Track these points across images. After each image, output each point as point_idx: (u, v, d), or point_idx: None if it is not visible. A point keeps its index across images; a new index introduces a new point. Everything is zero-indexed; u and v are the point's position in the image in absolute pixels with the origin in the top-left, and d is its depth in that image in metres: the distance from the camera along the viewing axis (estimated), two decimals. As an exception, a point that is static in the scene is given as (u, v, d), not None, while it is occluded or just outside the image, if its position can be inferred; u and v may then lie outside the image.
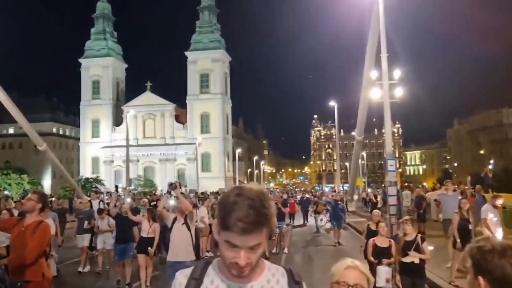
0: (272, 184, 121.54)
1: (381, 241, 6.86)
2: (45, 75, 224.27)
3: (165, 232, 10.53)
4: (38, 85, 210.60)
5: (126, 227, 10.28)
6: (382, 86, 14.78)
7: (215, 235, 1.49)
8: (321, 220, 21.91)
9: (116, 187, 31.80)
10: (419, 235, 6.68)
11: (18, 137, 75.90)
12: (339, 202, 19.48)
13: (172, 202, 12.30)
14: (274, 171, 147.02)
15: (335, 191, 34.36)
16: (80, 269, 11.80)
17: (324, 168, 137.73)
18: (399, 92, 15.96)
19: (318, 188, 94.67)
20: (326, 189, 67.93)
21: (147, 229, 9.64)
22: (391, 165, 13.90)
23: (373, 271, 6.88)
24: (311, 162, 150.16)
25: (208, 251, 13.52)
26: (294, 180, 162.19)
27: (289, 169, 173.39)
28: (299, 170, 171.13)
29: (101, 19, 78.35)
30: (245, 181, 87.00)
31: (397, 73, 15.92)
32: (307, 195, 32.87)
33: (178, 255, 6.94)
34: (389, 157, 14.39)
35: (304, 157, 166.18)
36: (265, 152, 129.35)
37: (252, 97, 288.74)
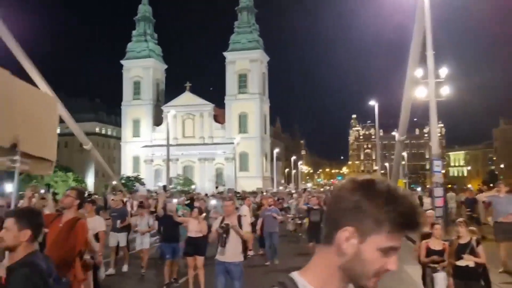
0: (309, 184, 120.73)
1: (435, 244, 6.62)
2: (89, 76, 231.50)
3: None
4: (81, 86, 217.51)
5: (174, 226, 10.08)
6: (428, 85, 14.39)
7: (352, 242, 1.08)
8: None
9: (164, 187, 31.91)
10: (475, 237, 6.41)
11: (63, 136, 78.57)
12: None
13: (214, 202, 12.36)
14: (311, 171, 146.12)
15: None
16: (109, 271, 10.59)
17: (362, 169, 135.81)
18: (446, 91, 15.48)
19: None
20: None
21: (195, 229, 9.23)
22: (437, 166, 13.47)
23: (426, 275, 6.68)
24: (349, 163, 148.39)
25: (250, 250, 13.45)
26: (331, 180, 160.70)
27: (327, 170, 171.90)
28: (336, 171, 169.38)
29: (142, 21, 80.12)
30: (283, 181, 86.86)
31: (444, 71, 15.44)
32: None
33: (228, 255, 6.97)
34: (435, 157, 13.96)
35: (342, 157, 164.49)
36: (303, 152, 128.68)
37: (290, 96, 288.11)
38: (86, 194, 5.58)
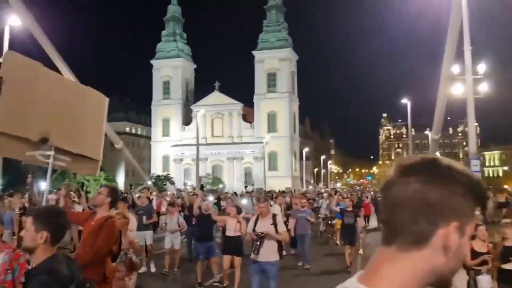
0: (338, 184, 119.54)
1: (479, 246, 6.30)
2: (119, 76, 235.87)
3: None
4: (112, 86, 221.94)
5: (209, 225, 10.03)
6: (465, 81, 13.84)
7: (455, 237, 0.94)
8: None
9: (202, 186, 31.70)
10: None
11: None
12: None
13: (244, 201, 12.22)
14: (341, 171, 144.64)
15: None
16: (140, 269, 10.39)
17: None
18: (484, 88, 14.86)
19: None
20: None
21: (233, 227, 9.05)
22: (475, 165, 12.98)
23: (470, 277, 6.35)
24: (380, 162, 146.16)
25: (283, 250, 13.37)
26: (361, 180, 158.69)
27: (356, 169, 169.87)
28: (366, 170, 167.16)
29: (171, 21, 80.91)
30: (312, 181, 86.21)
31: (482, 67, 14.82)
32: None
33: (263, 254, 6.86)
34: (472, 156, 13.45)
35: (372, 157, 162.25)
36: (332, 152, 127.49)
37: (319, 95, 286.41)
38: (118, 193, 5.34)
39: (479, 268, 6.16)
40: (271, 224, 7.00)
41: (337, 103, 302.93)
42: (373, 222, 24.17)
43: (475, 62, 14.65)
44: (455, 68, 15.08)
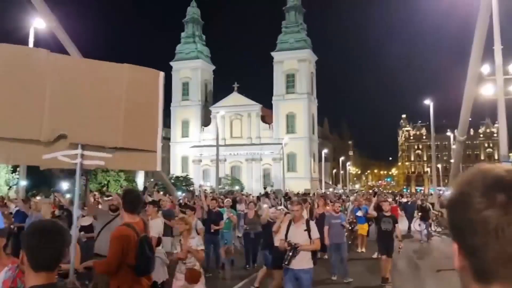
0: (357, 186, 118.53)
1: None
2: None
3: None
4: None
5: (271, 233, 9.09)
6: (496, 82, 13.47)
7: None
8: (425, 225, 18.94)
9: (267, 194, 26.49)
10: None
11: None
12: None
13: (265, 205, 11.80)
14: (359, 172, 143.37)
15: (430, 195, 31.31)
16: None
17: (413, 170, 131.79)
18: (515, 88, 14.46)
19: (405, 191, 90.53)
20: (431, 191, 52.35)
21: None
22: (507, 168, 12.61)
23: None
24: (399, 164, 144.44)
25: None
26: (380, 181, 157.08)
27: (375, 171, 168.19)
28: (385, 172, 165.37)
29: (190, 23, 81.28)
30: (330, 183, 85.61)
31: (513, 67, 14.42)
32: (414, 199, 28.26)
33: (296, 262, 6.52)
34: (504, 158, 13.07)
35: (390, 158, 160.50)
36: (351, 153, 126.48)
37: (338, 96, 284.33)
38: (134, 194, 4.81)
39: None
40: (305, 230, 6.66)
41: (356, 104, 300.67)
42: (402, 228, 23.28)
43: (507, 62, 14.25)
44: (485, 68, 14.72)
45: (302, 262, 6.57)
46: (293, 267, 6.56)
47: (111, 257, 4.23)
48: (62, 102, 3.17)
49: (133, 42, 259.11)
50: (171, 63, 79.92)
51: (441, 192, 37.02)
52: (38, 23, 20.77)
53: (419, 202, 22.64)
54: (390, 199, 19.29)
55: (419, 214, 19.92)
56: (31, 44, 21.49)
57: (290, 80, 73.41)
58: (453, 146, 53.58)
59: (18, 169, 28.74)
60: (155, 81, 3.76)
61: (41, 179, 33.20)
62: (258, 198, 20.13)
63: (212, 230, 11.18)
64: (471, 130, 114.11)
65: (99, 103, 3.27)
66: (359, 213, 15.27)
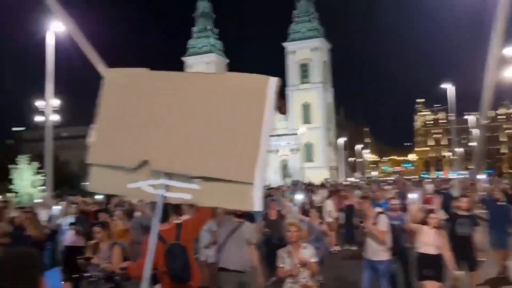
0: (374, 173, 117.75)
1: None
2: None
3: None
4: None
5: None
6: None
7: None
8: None
9: (322, 184, 24.09)
10: None
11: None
12: (503, 202, 9.55)
13: (300, 196, 11.38)
14: (377, 159, 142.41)
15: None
16: None
17: (432, 155, 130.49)
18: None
19: (425, 176, 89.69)
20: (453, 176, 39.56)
21: (430, 242, 6.44)
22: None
23: None
24: (416, 149, 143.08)
25: (336, 245, 12.82)
26: (397, 167, 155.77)
27: (393, 157, 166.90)
28: (402, 158, 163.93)
29: (202, 17, 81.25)
30: (349, 171, 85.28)
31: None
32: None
33: (371, 252, 6.87)
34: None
35: (407, 144, 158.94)
36: (367, 140, 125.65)
37: (354, 84, 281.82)
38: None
39: None
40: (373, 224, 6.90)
41: (372, 91, 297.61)
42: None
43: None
44: (508, 51, 14.53)
45: (376, 253, 6.81)
46: (368, 257, 6.89)
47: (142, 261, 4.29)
48: (147, 121, 2.74)
49: (143, 37, 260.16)
50: (183, 59, 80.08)
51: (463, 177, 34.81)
52: (57, 26, 21.06)
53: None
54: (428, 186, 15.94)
55: None
56: (50, 47, 21.82)
57: (304, 70, 73.15)
58: (473, 130, 52.91)
59: (42, 170, 29.26)
60: (261, 92, 2.81)
61: (61, 179, 32.91)
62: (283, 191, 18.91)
63: None
64: (490, 111, 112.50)
65: (187, 122, 2.70)
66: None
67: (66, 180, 34.37)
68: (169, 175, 2.66)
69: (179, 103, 2.72)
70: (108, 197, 12.30)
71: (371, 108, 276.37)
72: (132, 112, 2.78)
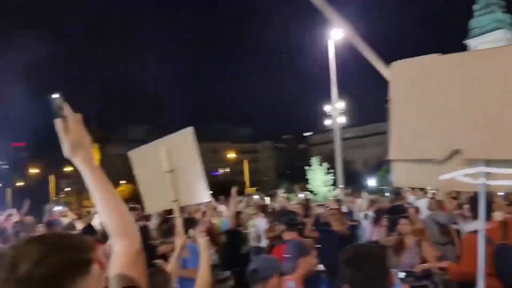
0: None
1: None
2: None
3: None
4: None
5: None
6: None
7: None
8: None
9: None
10: None
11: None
12: None
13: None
14: None
15: None
16: None
17: None
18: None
19: None
20: None
21: None
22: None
23: None
24: None
25: None
26: None
27: None
28: None
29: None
30: None
31: None
32: None
33: None
34: None
35: None
36: None
37: None
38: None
39: None
40: None
41: None
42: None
43: None
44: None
45: None
46: None
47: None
48: (448, 110, 2.64)
49: (415, 29, 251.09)
50: (465, 42, 73.60)
51: None
52: (335, 33, 22.15)
53: None
54: None
55: None
56: (331, 54, 23.11)
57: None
58: None
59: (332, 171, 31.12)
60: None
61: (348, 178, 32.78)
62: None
63: None
64: None
65: (493, 103, 2.49)
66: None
67: (353, 178, 35.80)
68: (487, 162, 2.51)
69: (479, 84, 2.52)
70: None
71: None
72: (428, 102, 2.73)
